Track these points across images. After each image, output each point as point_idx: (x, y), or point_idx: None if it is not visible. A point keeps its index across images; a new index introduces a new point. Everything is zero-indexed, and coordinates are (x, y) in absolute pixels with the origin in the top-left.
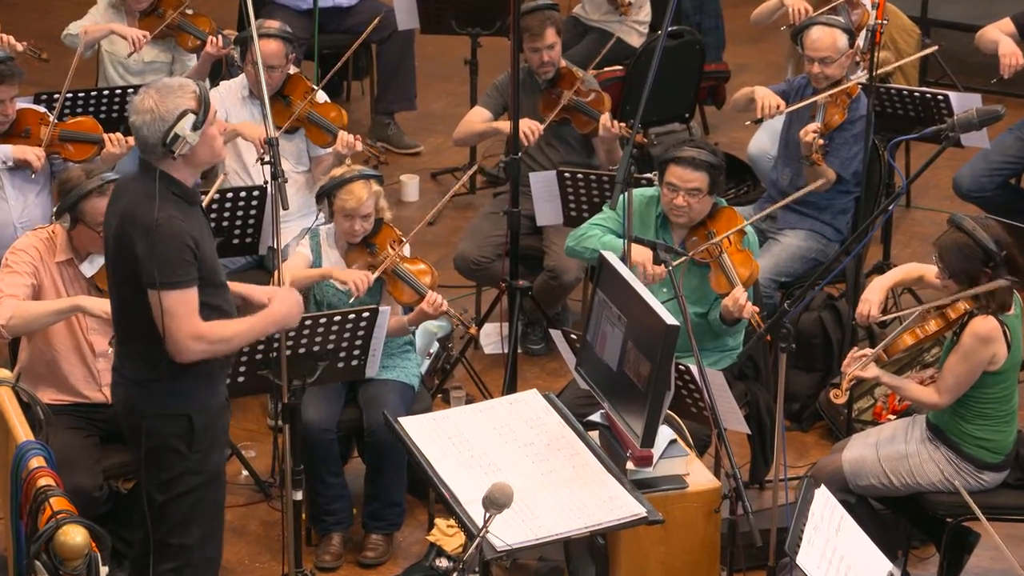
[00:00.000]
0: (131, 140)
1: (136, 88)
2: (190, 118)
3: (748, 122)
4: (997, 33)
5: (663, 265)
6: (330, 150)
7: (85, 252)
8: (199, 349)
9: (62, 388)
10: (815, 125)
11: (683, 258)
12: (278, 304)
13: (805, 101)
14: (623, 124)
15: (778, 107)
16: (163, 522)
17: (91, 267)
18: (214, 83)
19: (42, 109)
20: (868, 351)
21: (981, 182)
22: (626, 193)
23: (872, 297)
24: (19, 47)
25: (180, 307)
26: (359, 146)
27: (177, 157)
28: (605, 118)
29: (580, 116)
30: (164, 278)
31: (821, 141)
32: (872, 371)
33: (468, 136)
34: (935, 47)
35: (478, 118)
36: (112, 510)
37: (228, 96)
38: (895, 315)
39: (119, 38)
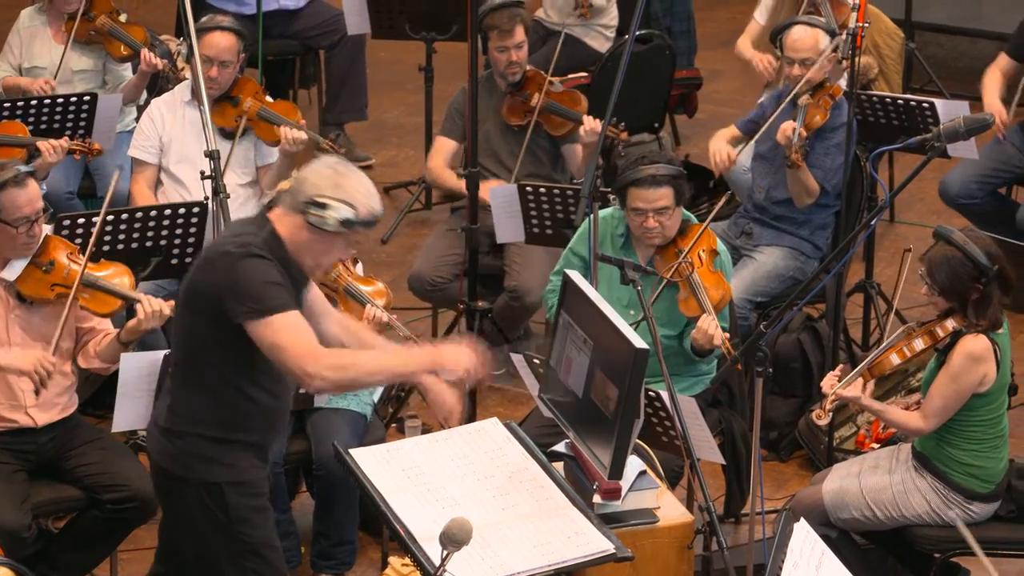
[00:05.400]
0: (64, 143)
1: (65, 98)
2: (349, 212)
3: (712, 183)
4: (986, 88)
5: (632, 285)
6: (276, 155)
7: (2, 259)
8: (324, 375)
9: None
10: (793, 123)
11: (658, 280)
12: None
13: (781, 106)
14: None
15: (729, 157)
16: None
17: (12, 271)
18: (150, 96)
19: None
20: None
21: (970, 188)
22: (591, 209)
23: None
24: None
25: (287, 330)
26: (304, 136)
27: (304, 220)
28: (589, 119)
29: (554, 118)
30: (257, 304)
31: (804, 133)
32: (854, 391)
33: (441, 186)
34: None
35: (446, 151)
36: (42, 551)
37: (164, 112)
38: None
39: (39, 47)
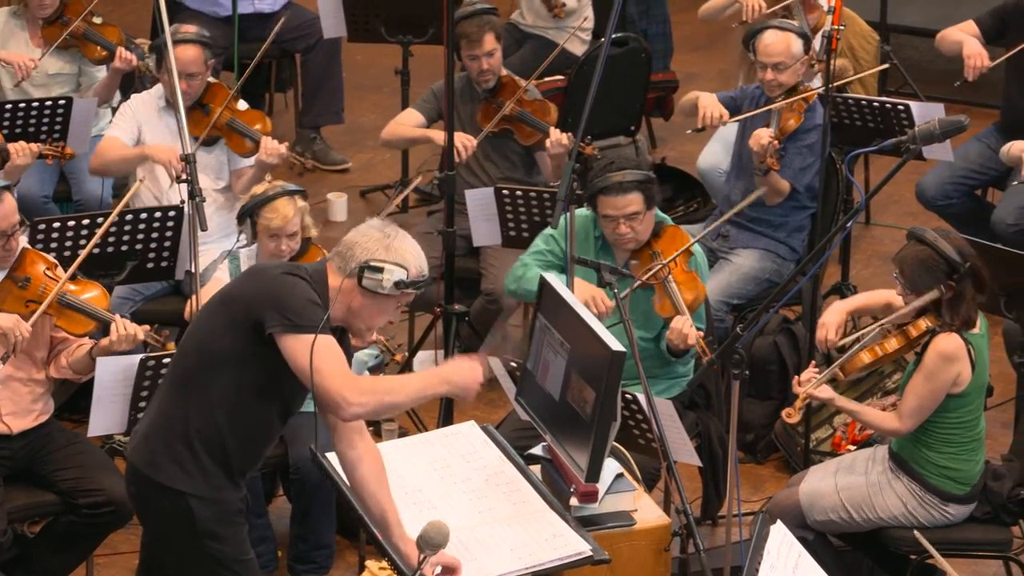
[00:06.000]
0: (34, 147)
1: (40, 102)
2: (402, 273)
3: (690, 131)
4: (960, 34)
5: (609, 288)
6: (251, 161)
7: None
8: (361, 401)
9: None
10: (768, 130)
11: (633, 281)
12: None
13: (759, 109)
14: (570, 134)
15: (720, 117)
16: None
17: None
18: (125, 98)
19: None
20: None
21: (946, 189)
22: (568, 212)
23: (830, 320)
24: None
25: (323, 353)
26: (284, 150)
27: (355, 284)
28: (556, 132)
29: (524, 127)
30: (296, 318)
31: (777, 143)
32: (826, 392)
33: (397, 140)
34: (886, 66)
35: (410, 121)
36: (18, 555)
37: (142, 108)
38: (855, 335)
39: (15, 49)
